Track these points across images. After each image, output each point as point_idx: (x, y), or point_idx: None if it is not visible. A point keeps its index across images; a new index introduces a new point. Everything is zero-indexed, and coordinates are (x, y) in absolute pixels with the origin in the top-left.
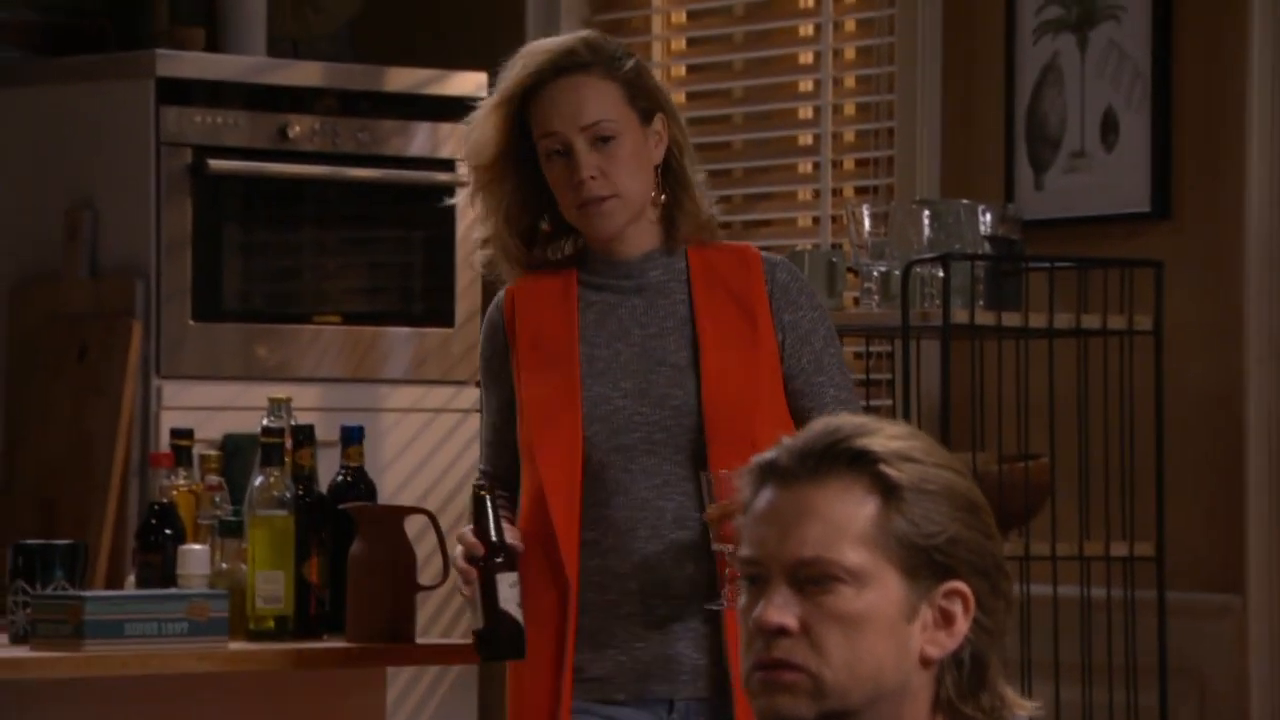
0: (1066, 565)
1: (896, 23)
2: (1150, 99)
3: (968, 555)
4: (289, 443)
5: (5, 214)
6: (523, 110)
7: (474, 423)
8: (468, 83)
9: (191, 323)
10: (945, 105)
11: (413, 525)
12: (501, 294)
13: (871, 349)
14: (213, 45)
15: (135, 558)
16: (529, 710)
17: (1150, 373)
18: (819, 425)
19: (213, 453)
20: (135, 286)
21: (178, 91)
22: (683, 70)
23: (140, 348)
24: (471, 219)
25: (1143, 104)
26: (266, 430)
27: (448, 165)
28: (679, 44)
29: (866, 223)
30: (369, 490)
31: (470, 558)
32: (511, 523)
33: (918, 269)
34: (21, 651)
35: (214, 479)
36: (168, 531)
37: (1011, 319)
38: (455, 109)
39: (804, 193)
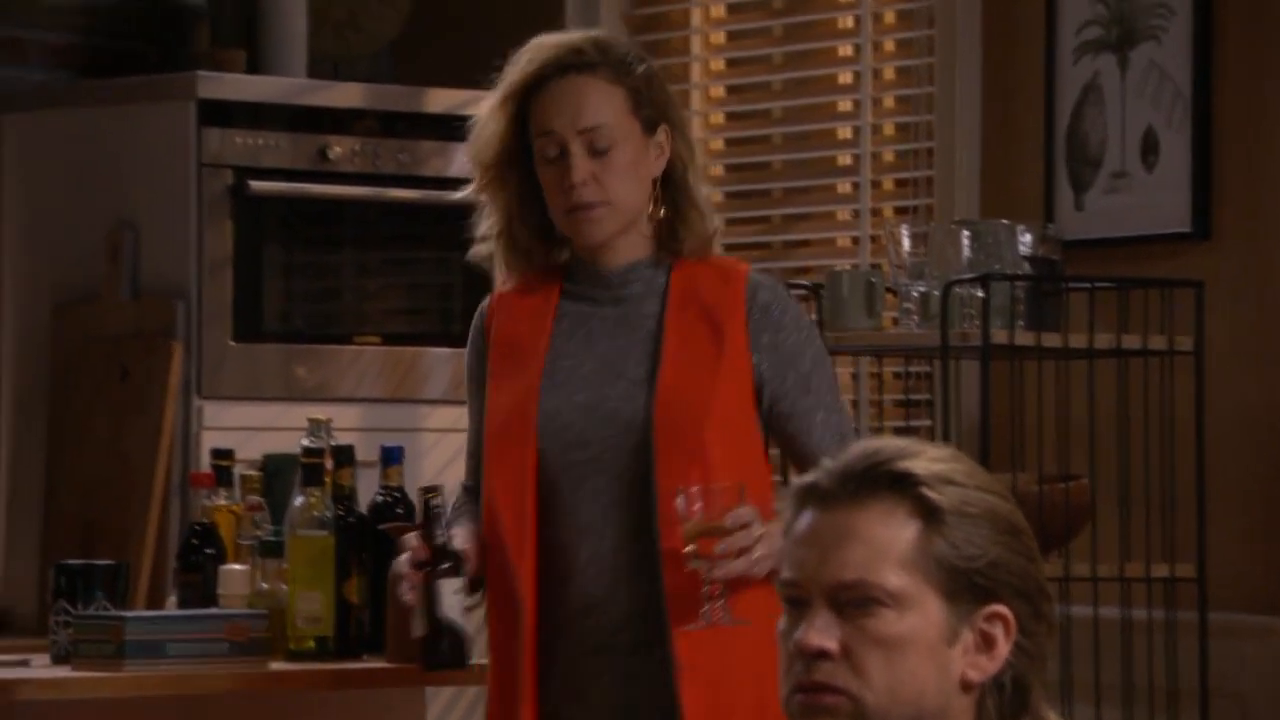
0: (1107, 586)
1: (936, 42)
2: (1191, 119)
3: (1009, 578)
4: (329, 463)
5: (47, 235)
6: (525, 107)
7: None
8: None
9: (232, 343)
10: (985, 125)
11: None
12: (486, 300)
13: (911, 369)
14: (253, 67)
15: (176, 578)
16: None
17: (1191, 393)
18: (859, 447)
19: (253, 473)
20: (176, 307)
21: (219, 113)
22: (722, 91)
23: (181, 368)
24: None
25: (1183, 124)
26: (307, 450)
27: None
28: (718, 64)
29: (906, 243)
30: (409, 511)
31: (415, 563)
32: (475, 532)
33: (957, 289)
34: (63, 671)
35: (254, 499)
36: (208, 551)
37: (1051, 339)
38: None
39: (843, 213)
